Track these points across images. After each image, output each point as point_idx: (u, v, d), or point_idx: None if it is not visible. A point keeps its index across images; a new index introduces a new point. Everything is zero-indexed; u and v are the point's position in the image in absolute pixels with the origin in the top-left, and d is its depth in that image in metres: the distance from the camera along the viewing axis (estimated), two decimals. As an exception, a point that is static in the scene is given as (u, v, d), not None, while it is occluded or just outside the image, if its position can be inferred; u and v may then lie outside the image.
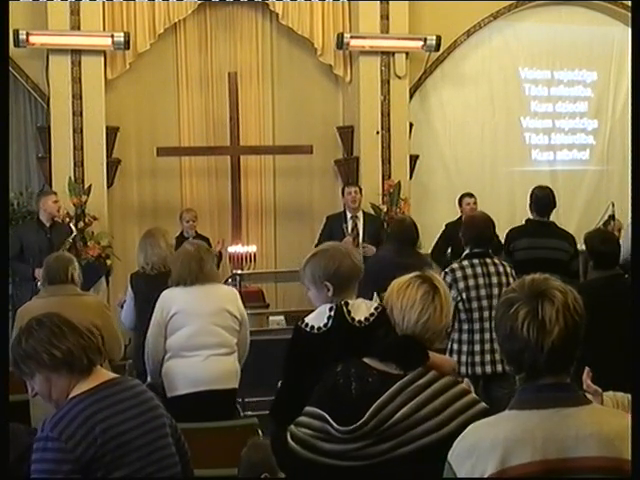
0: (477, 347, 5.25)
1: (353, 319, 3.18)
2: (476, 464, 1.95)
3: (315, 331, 3.19)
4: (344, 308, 3.19)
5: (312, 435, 2.63)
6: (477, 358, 5.25)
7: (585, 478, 1.95)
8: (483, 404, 2.66)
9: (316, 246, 7.46)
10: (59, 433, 2.54)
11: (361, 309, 3.21)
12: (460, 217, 8.51)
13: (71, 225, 7.82)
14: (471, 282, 5.25)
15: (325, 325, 3.19)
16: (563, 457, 1.94)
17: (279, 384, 3.37)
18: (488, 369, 5.25)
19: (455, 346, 5.31)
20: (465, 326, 5.27)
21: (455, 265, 5.36)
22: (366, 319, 3.17)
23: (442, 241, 8.26)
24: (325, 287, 3.24)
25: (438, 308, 2.72)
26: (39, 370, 2.65)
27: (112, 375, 2.77)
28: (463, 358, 5.27)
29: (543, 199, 6.45)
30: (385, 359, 2.67)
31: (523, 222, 6.62)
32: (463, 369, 5.26)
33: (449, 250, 8.11)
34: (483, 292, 5.25)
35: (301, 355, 3.23)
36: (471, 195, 8.59)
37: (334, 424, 2.58)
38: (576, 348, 2.04)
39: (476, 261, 5.32)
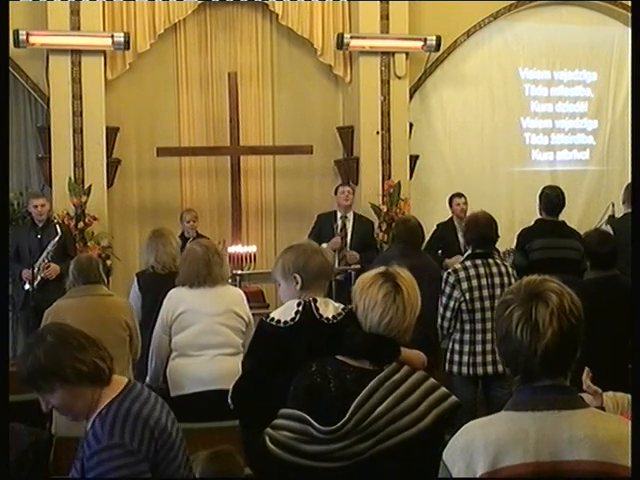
0: (479, 347, 5.25)
1: (321, 315, 3.18)
2: (469, 463, 1.95)
3: (281, 325, 3.18)
4: (312, 304, 3.19)
5: (293, 438, 2.61)
6: (479, 358, 5.25)
7: (576, 481, 1.92)
8: (454, 397, 2.68)
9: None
10: (120, 437, 2.45)
11: (329, 307, 3.22)
12: (451, 217, 8.52)
13: (57, 227, 7.64)
14: (474, 283, 5.24)
15: (292, 319, 3.18)
16: (555, 460, 1.92)
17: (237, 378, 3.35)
18: (490, 369, 5.24)
19: (457, 346, 5.32)
20: (467, 326, 5.27)
21: (458, 266, 5.35)
22: (334, 317, 3.17)
23: (434, 241, 8.24)
24: (294, 280, 3.24)
25: (400, 308, 2.68)
26: (63, 386, 2.51)
27: (125, 378, 2.71)
28: (465, 358, 5.28)
29: (554, 199, 6.42)
30: (358, 357, 2.68)
31: (532, 222, 6.56)
32: (465, 369, 5.27)
33: (440, 251, 8.15)
34: (486, 292, 5.25)
35: (264, 349, 3.21)
36: (461, 195, 8.58)
37: (316, 425, 2.57)
38: (573, 351, 2.00)
39: (479, 261, 5.31)
